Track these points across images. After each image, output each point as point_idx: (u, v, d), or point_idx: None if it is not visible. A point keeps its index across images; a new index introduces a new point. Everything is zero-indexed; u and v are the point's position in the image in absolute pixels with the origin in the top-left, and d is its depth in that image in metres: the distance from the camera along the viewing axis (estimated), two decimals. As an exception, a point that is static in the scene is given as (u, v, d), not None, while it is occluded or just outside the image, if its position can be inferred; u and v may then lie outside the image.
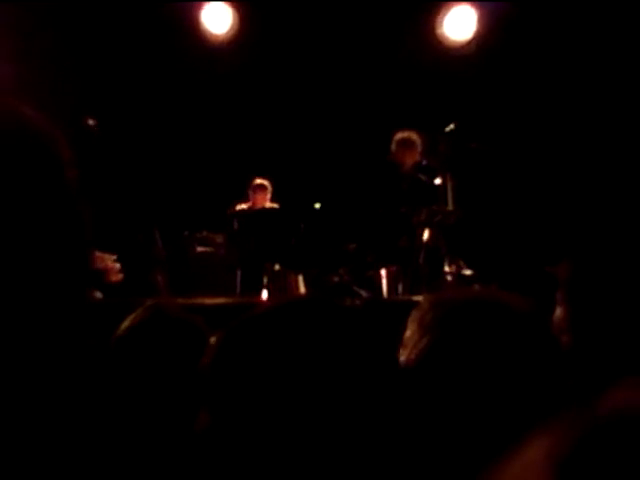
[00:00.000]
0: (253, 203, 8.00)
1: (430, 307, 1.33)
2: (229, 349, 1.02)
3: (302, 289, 7.05)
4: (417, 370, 1.24)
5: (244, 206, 7.93)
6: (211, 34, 8.56)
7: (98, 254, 6.78)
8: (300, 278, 7.11)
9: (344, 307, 1.09)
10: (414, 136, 7.06)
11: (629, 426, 0.51)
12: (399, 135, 7.11)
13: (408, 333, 1.32)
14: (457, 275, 6.59)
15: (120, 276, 6.87)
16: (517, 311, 1.29)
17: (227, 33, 8.54)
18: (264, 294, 6.99)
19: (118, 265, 6.87)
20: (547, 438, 0.54)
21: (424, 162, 6.99)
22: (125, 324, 2.11)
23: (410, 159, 7.03)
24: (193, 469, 1.16)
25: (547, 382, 1.22)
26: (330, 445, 0.95)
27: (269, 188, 8.06)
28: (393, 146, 7.11)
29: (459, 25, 8.44)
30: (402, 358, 1.29)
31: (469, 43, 8.48)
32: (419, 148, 7.04)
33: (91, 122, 6.74)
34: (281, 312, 1.04)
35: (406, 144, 7.06)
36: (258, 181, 8.07)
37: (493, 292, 1.38)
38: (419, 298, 5.63)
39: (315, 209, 7.09)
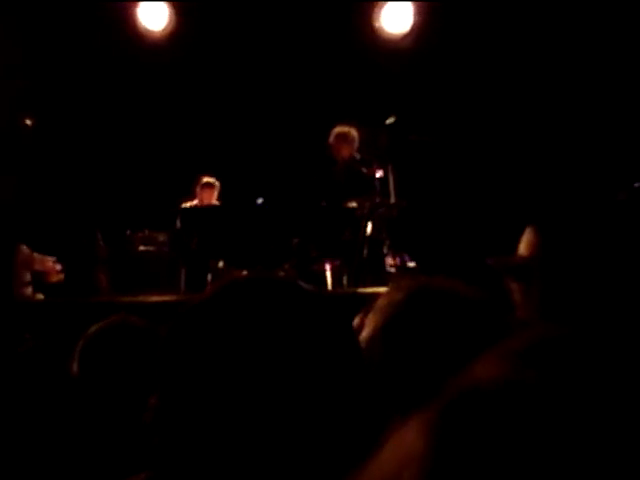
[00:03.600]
0: (200, 201, 7.93)
1: (388, 293, 1.39)
2: (179, 335, 1.02)
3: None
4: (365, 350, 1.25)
5: (190, 204, 7.87)
6: (148, 31, 8.47)
7: (37, 256, 6.71)
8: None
9: (289, 283, 1.10)
10: (352, 131, 7.12)
11: (484, 400, 0.52)
12: (337, 129, 7.16)
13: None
14: (400, 267, 6.64)
15: (61, 277, 6.82)
16: (468, 298, 1.32)
17: (164, 30, 8.46)
18: (208, 292, 6.95)
19: (58, 266, 6.83)
20: (416, 423, 0.54)
21: (358, 156, 7.03)
22: (90, 331, 2.11)
23: (346, 153, 7.08)
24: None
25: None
26: (285, 428, 0.95)
27: (217, 186, 7.98)
28: (331, 139, 7.15)
29: (396, 18, 8.46)
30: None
31: (407, 36, 8.52)
32: (356, 143, 7.11)
33: (28, 122, 6.65)
34: (227, 292, 1.05)
35: (343, 138, 7.11)
36: (206, 179, 7.99)
37: (444, 281, 1.41)
38: (364, 291, 5.66)
39: (257, 204, 7.08)
